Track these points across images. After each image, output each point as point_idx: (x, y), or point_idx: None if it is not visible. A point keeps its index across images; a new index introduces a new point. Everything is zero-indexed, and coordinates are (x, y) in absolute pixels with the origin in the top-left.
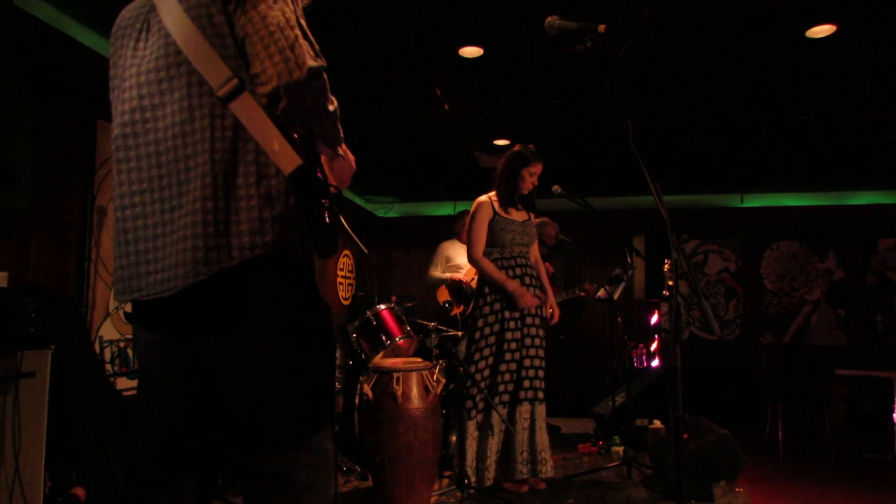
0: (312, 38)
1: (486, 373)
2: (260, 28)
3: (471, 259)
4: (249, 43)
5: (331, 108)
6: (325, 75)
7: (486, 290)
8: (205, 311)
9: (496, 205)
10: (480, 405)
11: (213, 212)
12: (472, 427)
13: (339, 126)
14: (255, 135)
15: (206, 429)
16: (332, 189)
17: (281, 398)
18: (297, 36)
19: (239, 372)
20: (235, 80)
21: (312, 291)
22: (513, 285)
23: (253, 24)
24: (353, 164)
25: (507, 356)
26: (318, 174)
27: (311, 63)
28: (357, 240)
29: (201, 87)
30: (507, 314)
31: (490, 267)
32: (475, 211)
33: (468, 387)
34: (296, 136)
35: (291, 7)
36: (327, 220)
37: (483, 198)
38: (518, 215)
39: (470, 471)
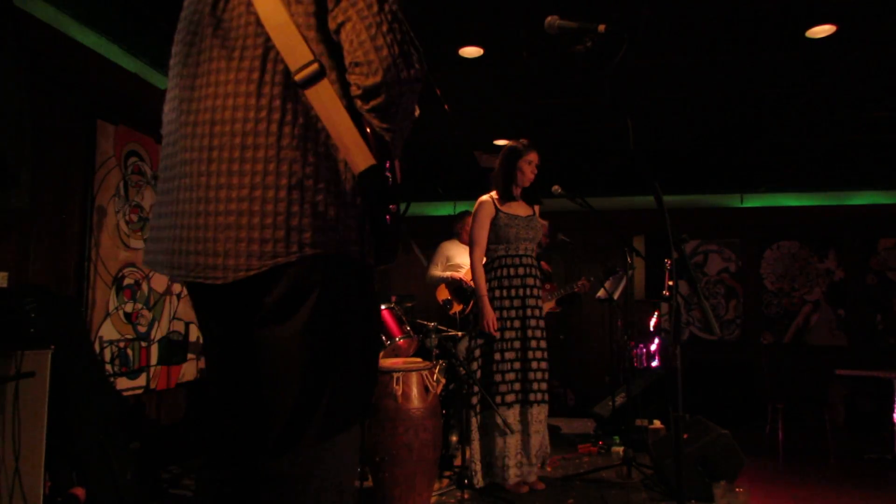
0: (416, 40)
1: (479, 373)
2: (367, 15)
3: (471, 257)
4: (351, 29)
5: (415, 115)
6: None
7: (492, 285)
8: (250, 302)
9: (497, 202)
10: (478, 406)
11: (274, 201)
12: (474, 426)
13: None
14: (328, 126)
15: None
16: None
17: (312, 398)
18: (408, 32)
19: (278, 367)
20: (316, 65)
21: (366, 297)
22: (485, 305)
23: (358, 10)
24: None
25: (510, 355)
26: (391, 176)
27: (418, 67)
28: (417, 251)
29: (276, 65)
30: (504, 314)
31: (481, 276)
32: (476, 210)
33: (471, 385)
34: (370, 132)
35: (399, 3)
36: (388, 226)
37: (485, 197)
38: (522, 210)
39: (473, 470)
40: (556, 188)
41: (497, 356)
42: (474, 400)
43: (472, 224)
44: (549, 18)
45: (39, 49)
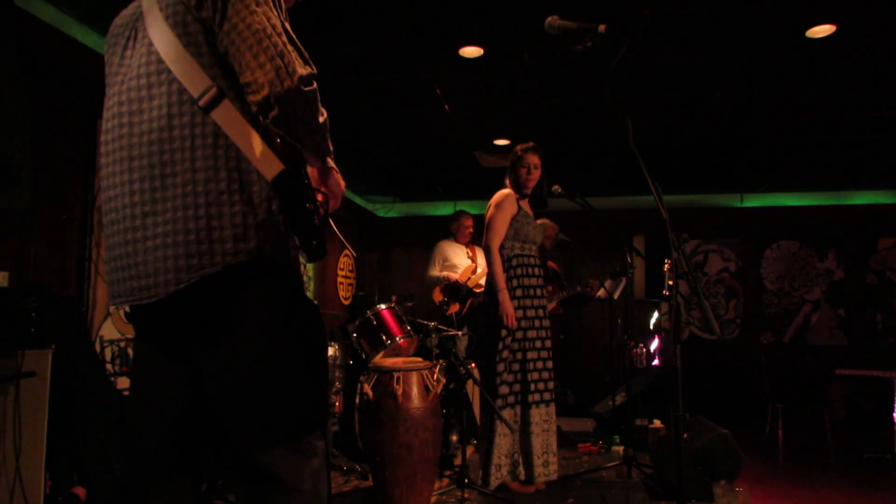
0: (299, 44)
1: (505, 372)
2: (247, 36)
3: (486, 247)
4: (236, 51)
5: (321, 118)
6: (315, 83)
7: (512, 284)
8: (190, 317)
9: (517, 200)
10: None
11: (195, 219)
12: (491, 427)
13: (328, 138)
14: (236, 141)
15: (198, 431)
16: (318, 195)
17: (268, 401)
18: (284, 43)
19: (226, 376)
20: (215, 89)
21: (299, 294)
22: (506, 299)
23: (238, 31)
24: (342, 182)
25: (524, 356)
26: (303, 179)
27: (301, 71)
28: (345, 241)
29: (181, 95)
30: (526, 313)
31: (499, 265)
32: (502, 201)
33: (497, 384)
34: (279, 140)
35: (275, 12)
36: (316, 223)
37: (509, 190)
38: (531, 213)
39: (494, 466)
40: (556, 188)
41: (520, 356)
42: (499, 402)
43: (496, 214)
44: (549, 18)
45: (40, 49)
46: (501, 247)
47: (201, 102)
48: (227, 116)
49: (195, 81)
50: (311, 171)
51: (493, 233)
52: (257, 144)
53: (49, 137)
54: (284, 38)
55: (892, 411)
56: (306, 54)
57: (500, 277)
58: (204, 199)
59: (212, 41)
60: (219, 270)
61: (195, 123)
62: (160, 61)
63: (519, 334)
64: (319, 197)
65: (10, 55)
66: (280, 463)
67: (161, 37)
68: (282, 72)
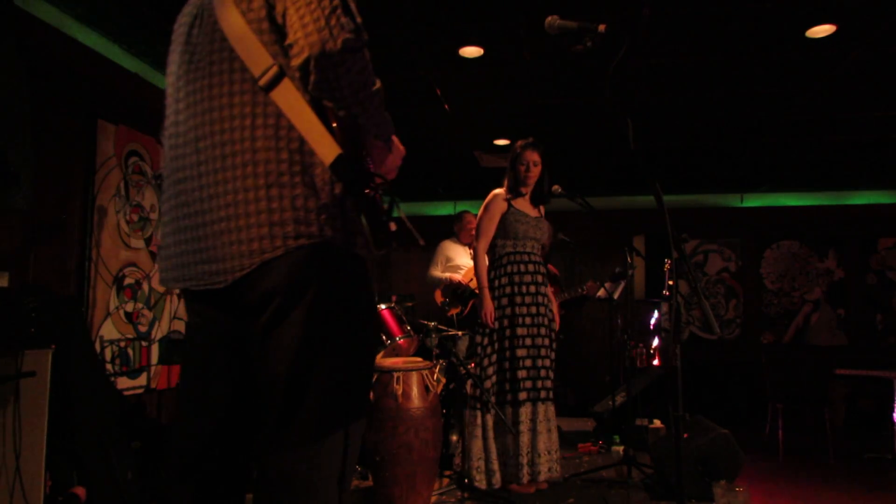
0: (356, 12)
1: (491, 370)
2: (300, 2)
3: (474, 248)
4: (289, 18)
5: (373, 87)
6: (366, 52)
7: (495, 285)
8: (250, 301)
9: (509, 198)
10: (478, 404)
11: (255, 201)
12: (477, 426)
13: (385, 112)
14: (296, 123)
15: (246, 426)
16: (377, 179)
17: (317, 391)
18: (336, 6)
19: (279, 363)
20: (276, 68)
21: (360, 284)
22: (485, 297)
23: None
24: (400, 151)
25: (513, 353)
26: (363, 163)
27: (346, 35)
28: (413, 230)
29: (243, 74)
30: (515, 311)
31: (482, 266)
32: (489, 202)
33: (478, 383)
34: (335, 125)
35: None
36: (381, 210)
37: (498, 190)
38: (530, 210)
39: (474, 470)
40: (556, 188)
41: (508, 353)
42: (491, 398)
43: (482, 214)
44: (549, 18)
45: (40, 49)
46: (493, 245)
47: (261, 82)
48: (287, 97)
49: (256, 60)
50: (377, 155)
51: (478, 234)
52: (316, 127)
53: (49, 137)
54: (338, 2)
55: (892, 411)
56: (360, 21)
57: (483, 277)
58: (264, 181)
59: (273, 15)
60: (279, 255)
61: (256, 103)
62: (224, 39)
63: (508, 332)
64: (378, 181)
65: (10, 55)
66: (321, 450)
67: (226, 14)
68: (324, 34)
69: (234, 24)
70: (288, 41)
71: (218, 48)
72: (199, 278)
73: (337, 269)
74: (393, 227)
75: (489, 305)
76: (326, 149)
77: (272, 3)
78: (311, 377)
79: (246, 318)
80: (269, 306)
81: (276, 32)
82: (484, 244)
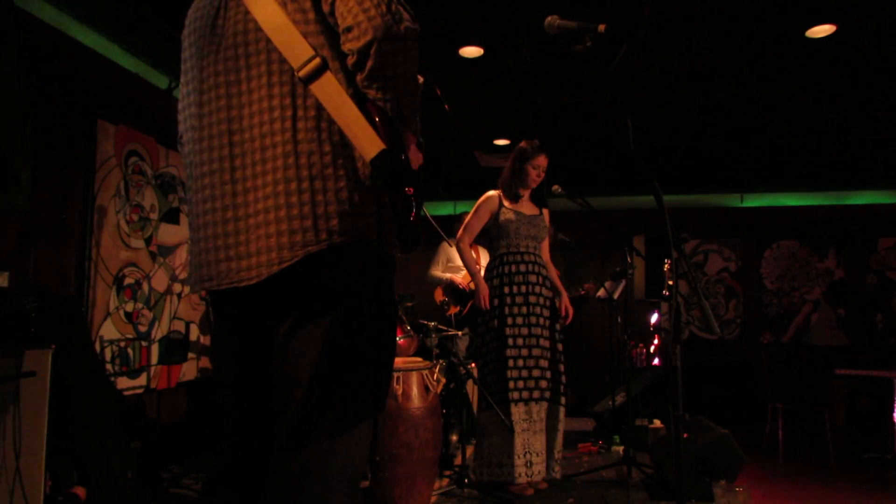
0: (404, 3)
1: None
2: None
3: (456, 241)
4: (339, 4)
5: (419, 82)
6: (417, 42)
7: (492, 284)
8: (280, 297)
9: (503, 198)
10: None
11: (298, 192)
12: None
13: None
14: (336, 116)
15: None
16: (417, 179)
17: (328, 392)
18: None
19: (298, 363)
20: (318, 60)
21: (389, 286)
22: (479, 281)
23: None
24: (420, 156)
25: (502, 354)
26: (405, 161)
27: (409, 23)
28: (443, 233)
29: (282, 65)
30: (506, 311)
31: (469, 257)
32: (480, 203)
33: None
34: (378, 119)
35: None
36: (413, 210)
37: (492, 192)
38: (527, 209)
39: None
40: (556, 188)
41: (498, 354)
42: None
43: (472, 212)
44: (549, 18)
45: (40, 49)
46: (492, 248)
47: (301, 73)
48: (328, 90)
49: (296, 51)
50: (412, 154)
51: (463, 228)
52: (358, 121)
53: (49, 137)
54: None
55: (892, 411)
56: (412, 12)
57: (471, 265)
58: (307, 172)
59: (318, 9)
60: (323, 248)
61: (297, 94)
62: (258, 29)
63: (500, 332)
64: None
65: (10, 55)
66: (336, 448)
67: (261, 5)
68: (388, 18)
69: (272, 14)
70: (346, 24)
71: (253, 39)
72: (223, 276)
73: (371, 269)
74: (412, 232)
75: (483, 288)
76: (368, 143)
77: None
78: (343, 373)
79: (269, 312)
80: (300, 301)
81: (321, 23)
82: (468, 239)
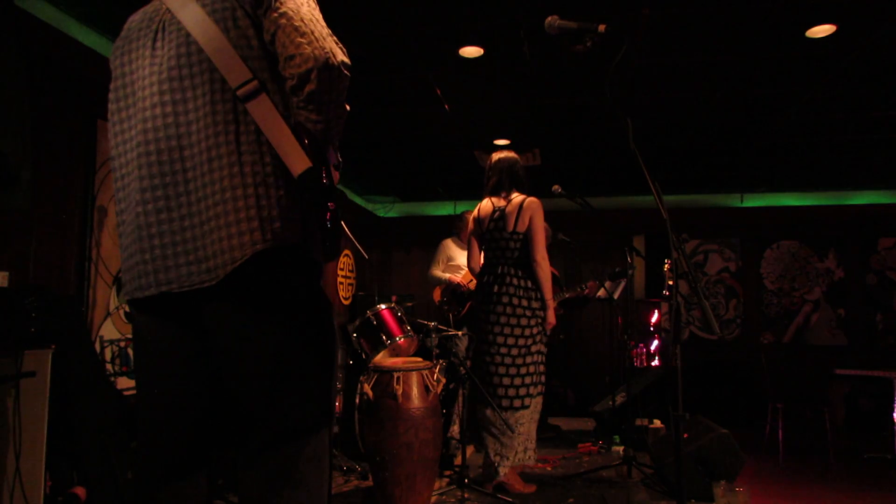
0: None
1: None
2: (297, 19)
3: (536, 259)
4: (282, 34)
5: (346, 108)
6: (349, 74)
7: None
8: (224, 301)
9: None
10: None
11: (244, 197)
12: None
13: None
14: (268, 135)
15: (214, 422)
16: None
17: (291, 390)
18: (329, 33)
19: (252, 363)
20: (255, 82)
21: (320, 288)
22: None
23: (286, 16)
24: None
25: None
26: (325, 179)
27: (343, 57)
28: (357, 244)
29: (223, 84)
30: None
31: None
32: (542, 211)
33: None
34: (306, 140)
35: (316, 6)
36: (329, 223)
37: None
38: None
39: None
40: (556, 188)
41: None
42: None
43: (538, 223)
44: (549, 18)
45: (40, 49)
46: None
47: (239, 92)
48: (262, 109)
49: (235, 73)
50: (334, 171)
51: (539, 243)
52: (288, 139)
53: (49, 137)
54: (328, 30)
55: (892, 411)
56: (344, 49)
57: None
58: (252, 180)
59: (260, 36)
60: (268, 247)
61: (238, 111)
62: (200, 51)
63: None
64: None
65: (10, 55)
66: (295, 454)
67: (201, 29)
68: (327, 51)
69: (213, 37)
70: (288, 53)
71: (196, 60)
72: (184, 280)
73: (304, 273)
74: (331, 242)
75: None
76: (297, 160)
77: (259, 23)
78: (283, 377)
79: (213, 317)
80: (244, 305)
81: (262, 49)
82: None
